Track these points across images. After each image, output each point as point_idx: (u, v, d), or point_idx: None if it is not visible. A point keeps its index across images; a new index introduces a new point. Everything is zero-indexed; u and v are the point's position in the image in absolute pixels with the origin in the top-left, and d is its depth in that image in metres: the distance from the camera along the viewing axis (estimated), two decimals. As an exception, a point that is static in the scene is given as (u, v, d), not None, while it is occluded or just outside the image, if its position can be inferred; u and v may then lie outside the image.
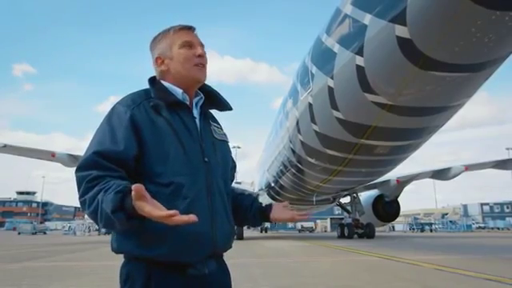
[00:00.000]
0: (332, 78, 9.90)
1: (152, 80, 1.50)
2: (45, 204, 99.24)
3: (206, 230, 1.32)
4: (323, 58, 10.62)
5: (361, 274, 7.08)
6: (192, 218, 1.08)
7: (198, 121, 1.47)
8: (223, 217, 1.42)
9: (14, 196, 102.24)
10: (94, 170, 1.24)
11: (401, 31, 6.93)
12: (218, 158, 1.47)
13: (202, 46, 1.51)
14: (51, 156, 19.39)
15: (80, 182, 1.25)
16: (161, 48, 1.50)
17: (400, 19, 6.82)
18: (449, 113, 9.66)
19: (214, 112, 1.64)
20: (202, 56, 1.48)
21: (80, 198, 1.23)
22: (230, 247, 1.47)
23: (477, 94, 8.87)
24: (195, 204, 1.31)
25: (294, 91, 13.88)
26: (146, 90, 1.46)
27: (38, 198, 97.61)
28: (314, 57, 11.46)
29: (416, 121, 9.86)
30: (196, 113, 1.49)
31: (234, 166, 1.70)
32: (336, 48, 9.55)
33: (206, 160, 1.40)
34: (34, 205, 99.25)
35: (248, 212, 1.62)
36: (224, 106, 1.60)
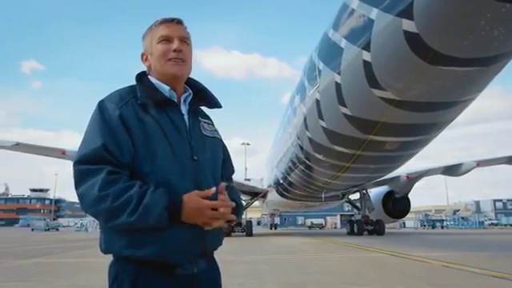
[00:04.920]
0: (339, 73, 9.82)
1: (140, 76, 1.46)
2: (57, 201, 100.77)
3: (195, 230, 1.30)
4: (330, 53, 10.53)
5: (367, 270, 7.04)
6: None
7: (186, 118, 1.44)
8: None
9: (27, 193, 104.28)
10: (108, 165, 1.23)
11: (408, 25, 6.83)
12: (207, 156, 1.44)
13: (182, 39, 1.45)
14: (61, 153, 19.65)
15: (93, 173, 1.22)
16: (145, 43, 1.48)
17: (407, 13, 6.71)
18: (458, 108, 9.51)
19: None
20: (178, 51, 1.42)
21: (101, 190, 1.19)
22: (221, 244, 1.46)
23: (489, 87, 8.70)
24: None
25: (302, 87, 13.81)
26: (132, 87, 1.42)
27: (51, 195, 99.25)
28: (321, 53, 11.38)
29: (424, 116, 9.73)
30: (184, 109, 1.46)
31: (228, 157, 1.64)
32: (343, 43, 9.46)
33: (195, 158, 1.37)
34: (47, 202, 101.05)
35: None
36: (213, 103, 1.56)
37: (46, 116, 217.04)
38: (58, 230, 52.41)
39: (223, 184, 1.34)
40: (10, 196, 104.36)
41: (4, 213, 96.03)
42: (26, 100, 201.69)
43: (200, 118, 1.51)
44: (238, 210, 1.46)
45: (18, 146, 19.71)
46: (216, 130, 1.58)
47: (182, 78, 1.47)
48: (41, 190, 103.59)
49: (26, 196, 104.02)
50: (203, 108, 1.59)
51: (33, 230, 49.95)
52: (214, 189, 1.28)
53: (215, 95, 1.58)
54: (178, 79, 1.45)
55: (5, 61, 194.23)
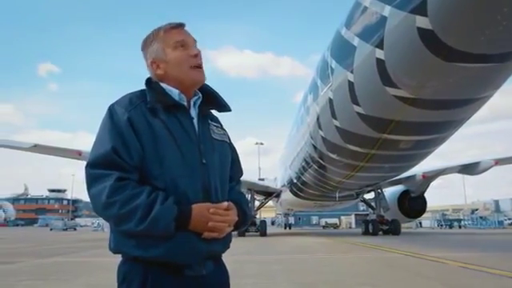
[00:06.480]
0: (352, 72, 9.74)
1: (149, 80, 1.46)
2: (75, 201, 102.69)
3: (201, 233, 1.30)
4: (343, 52, 10.46)
5: (382, 271, 6.97)
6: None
7: (195, 121, 1.44)
8: None
9: (46, 193, 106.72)
10: (116, 170, 1.24)
11: (422, 22, 6.73)
12: (215, 159, 1.43)
13: (195, 43, 1.46)
14: (77, 154, 19.98)
15: (102, 178, 1.24)
16: (154, 51, 1.45)
17: (420, 9, 6.62)
18: (475, 105, 9.32)
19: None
20: (198, 56, 1.43)
21: (108, 197, 1.21)
22: (228, 247, 1.46)
23: (509, 83, 8.48)
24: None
25: (314, 86, 13.76)
26: (142, 91, 1.43)
27: (69, 195, 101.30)
28: (334, 51, 11.31)
29: (440, 114, 9.58)
30: (194, 113, 1.45)
31: (236, 160, 1.61)
32: (355, 41, 9.39)
33: (203, 162, 1.37)
34: (65, 202, 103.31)
35: None
36: (223, 106, 1.55)
37: (62, 117, 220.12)
38: (75, 229, 53.35)
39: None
40: (29, 196, 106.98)
41: (23, 213, 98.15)
42: (42, 102, 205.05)
43: (210, 121, 1.50)
44: (246, 219, 1.48)
45: (36, 148, 20.17)
46: (225, 134, 1.56)
47: (202, 84, 1.47)
48: (59, 191, 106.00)
49: (44, 196, 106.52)
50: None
51: (51, 229, 50.92)
52: (225, 204, 1.32)
53: (227, 96, 1.57)
54: (200, 85, 1.46)
55: (22, 64, 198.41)
